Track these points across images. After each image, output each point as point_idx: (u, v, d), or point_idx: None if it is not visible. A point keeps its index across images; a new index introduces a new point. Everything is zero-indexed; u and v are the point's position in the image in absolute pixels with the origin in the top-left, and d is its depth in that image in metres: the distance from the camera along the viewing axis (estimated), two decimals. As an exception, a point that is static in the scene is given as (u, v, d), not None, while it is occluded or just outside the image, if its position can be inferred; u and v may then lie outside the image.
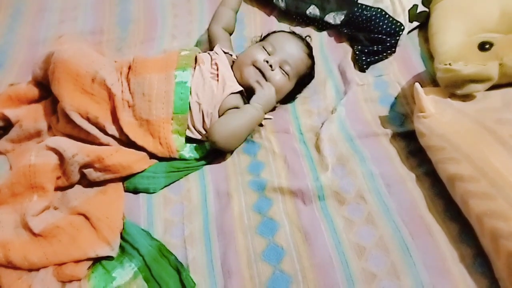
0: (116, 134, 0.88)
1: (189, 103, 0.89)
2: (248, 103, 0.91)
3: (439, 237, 0.75)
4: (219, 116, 0.90)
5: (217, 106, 0.90)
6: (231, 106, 0.91)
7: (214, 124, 0.87)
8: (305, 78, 1.01)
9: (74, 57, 0.86)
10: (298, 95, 1.03)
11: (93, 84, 0.86)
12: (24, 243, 0.75)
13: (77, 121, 0.85)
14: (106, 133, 0.87)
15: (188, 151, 0.91)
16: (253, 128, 0.91)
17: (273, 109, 0.99)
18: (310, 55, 1.01)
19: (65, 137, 0.87)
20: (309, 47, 1.01)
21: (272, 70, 0.93)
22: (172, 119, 0.88)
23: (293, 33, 1.04)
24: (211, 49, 1.03)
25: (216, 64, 0.95)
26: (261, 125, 0.96)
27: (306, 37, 1.05)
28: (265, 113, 0.92)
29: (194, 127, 0.91)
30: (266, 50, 0.95)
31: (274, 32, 1.04)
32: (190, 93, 0.90)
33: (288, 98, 1.00)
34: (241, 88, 0.93)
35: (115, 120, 0.88)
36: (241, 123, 0.87)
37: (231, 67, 0.97)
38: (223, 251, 0.76)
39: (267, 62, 0.93)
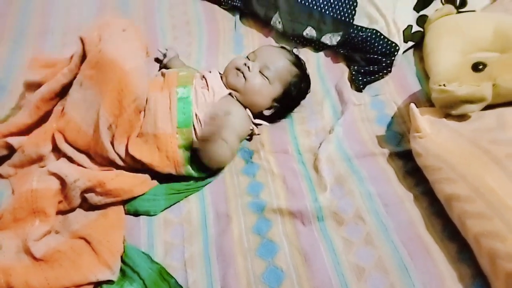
0: (122, 153, 0.89)
1: (192, 116, 0.92)
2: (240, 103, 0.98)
3: (438, 257, 0.75)
4: None
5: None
6: (219, 105, 0.94)
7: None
8: (292, 87, 0.99)
9: (133, 73, 0.88)
10: (295, 109, 1.04)
11: (132, 103, 0.88)
12: (26, 268, 0.75)
13: (101, 124, 0.86)
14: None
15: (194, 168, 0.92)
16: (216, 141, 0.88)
17: (265, 118, 1.01)
18: (296, 64, 1.01)
19: (68, 144, 0.89)
20: (295, 57, 1.03)
21: (250, 71, 0.97)
22: (177, 134, 0.90)
23: (281, 47, 1.08)
24: None
25: (204, 77, 1.00)
26: (249, 138, 1.00)
27: (293, 49, 1.07)
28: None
29: (197, 137, 0.92)
30: (248, 58, 1.01)
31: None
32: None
33: (283, 110, 1.02)
34: (228, 91, 0.97)
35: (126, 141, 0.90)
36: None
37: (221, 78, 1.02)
38: (223, 274, 0.76)
39: (245, 64, 0.98)
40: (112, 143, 0.88)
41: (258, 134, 1.00)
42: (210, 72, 1.02)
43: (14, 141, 0.91)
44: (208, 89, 0.96)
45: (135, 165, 0.90)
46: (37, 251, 0.77)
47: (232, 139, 0.91)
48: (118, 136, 0.88)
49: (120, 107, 0.87)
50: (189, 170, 0.90)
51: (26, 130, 0.94)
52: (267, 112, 1.00)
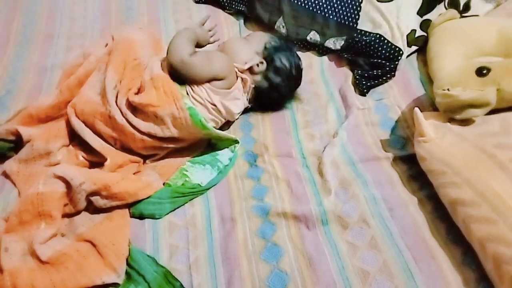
0: (123, 104, 0.92)
1: None
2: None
3: (443, 261, 0.76)
4: None
5: None
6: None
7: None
8: (272, 42, 1.03)
9: (137, 40, 1.04)
10: (299, 110, 1.06)
11: (133, 60, 0.99)
12: (32, 270, 0.76)
13: (107, 82, 0.93)
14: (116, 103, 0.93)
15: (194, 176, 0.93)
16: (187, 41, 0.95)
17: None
18: (279, 38, 1.07)
19: (75, 117, 0.93)
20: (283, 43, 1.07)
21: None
22: (170, 78, 0.93)
23: None
24: None
25: None
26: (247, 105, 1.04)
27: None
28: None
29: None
30: None
31: None
32: None
33: (273, 73, 1.01)
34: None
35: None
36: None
37: None
38: (228, 278, 0.77)
39: None
40: (115, 102, 0.92)
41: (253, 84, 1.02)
42: None
43: (24, 131, 0.95)
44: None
45: (136, 119, 0.91)
46: (43, 254, 0.77)
47: (201, 55, 0.94)
48: (121, 89, 0.93)
49: (124, 65, 0.97)
50: (189, 103, 0.91)
51: (44, 116, 0.99)
52: (255, 67, 1.00)
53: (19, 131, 0.95)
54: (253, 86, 1.02)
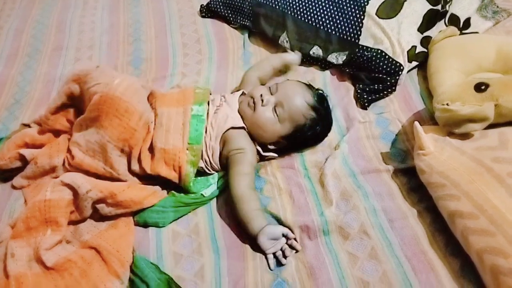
0: (137, 168, 0.91)
1: (203, 134, 0.94)
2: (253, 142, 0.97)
3: (441, 273, 0.77)
4: (220, 148, 0.94)
5: (218, 138, 0.95)
6: (232, 139, 0.94)
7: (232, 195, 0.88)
8: (305, 128, 0.96)
9: (125, 94, 0.88)
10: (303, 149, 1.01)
11: (139, 121, 0.90)
12: (37, 276, 0.77)
13: (111, 153, 0.88)
14: (129, 168, 0.92)
15: (197, 186, 0.95)
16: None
17: (263, 158, 1.00)
18: (315, 108, 0.96)
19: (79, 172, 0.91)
20: (318, 99, 0.98)
21: (263, 105, 0.95)
22: (187, 150, 0.92)
23: (307, 85, 1.02)
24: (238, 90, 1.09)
25: (224, 97, 1.02)
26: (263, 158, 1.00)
27: (318, 90, 1.03)
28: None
29: (202, 157, 0.95)
30: (270, 89, 1.00)
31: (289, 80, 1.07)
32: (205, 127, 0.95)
33: (292, 147, 1.00)
34: (242, 125, 0.97)
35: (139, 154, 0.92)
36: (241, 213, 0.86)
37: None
38: (232, 285, 0.78)
39: (261, 96, 0.96)
40: (129, 162, 0.91)
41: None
42: (233, 95, 1.05)
43: (26, 152, 0.95)
44: (222, 110, 0.98)
45: (144, 176, 0.93)
46: (48, 260, 0.79)
47: (249, 170, 0.91)
48: (134, 152, 0.91)
49: (129, 129, 0.88)
50: (192, 189, 0.92)
51: (39, 144, 0.98)
52: (270, 146, 0.99)
53: (22, 153, 0.95)
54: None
